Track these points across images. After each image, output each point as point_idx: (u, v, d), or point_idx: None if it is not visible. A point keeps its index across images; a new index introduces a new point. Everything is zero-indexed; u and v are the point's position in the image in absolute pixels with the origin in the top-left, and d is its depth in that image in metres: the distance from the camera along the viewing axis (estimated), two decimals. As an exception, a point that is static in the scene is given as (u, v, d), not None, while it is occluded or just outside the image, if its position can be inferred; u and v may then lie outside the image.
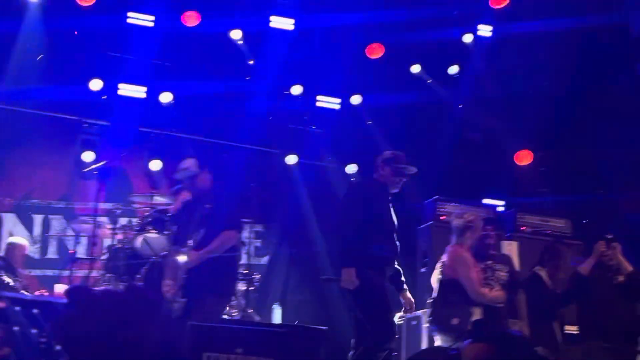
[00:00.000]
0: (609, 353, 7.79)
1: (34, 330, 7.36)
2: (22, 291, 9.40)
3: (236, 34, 11.94)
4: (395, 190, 7.27)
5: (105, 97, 11.57)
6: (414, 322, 9.07)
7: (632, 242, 10.66)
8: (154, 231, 9.68)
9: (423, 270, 9.74)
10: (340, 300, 11.85)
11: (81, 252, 10.96)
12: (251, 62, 12.14)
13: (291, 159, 12.73)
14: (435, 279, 7.75)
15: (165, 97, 11.92)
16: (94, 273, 10.22)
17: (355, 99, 12.67)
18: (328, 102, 12.68)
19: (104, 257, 10.19)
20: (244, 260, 11.02)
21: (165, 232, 9.50)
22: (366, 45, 12.40)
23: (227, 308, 9.18)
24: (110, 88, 11.65)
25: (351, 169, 12.87)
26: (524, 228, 10.39)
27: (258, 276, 10.93)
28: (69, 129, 11.75)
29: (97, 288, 8.64)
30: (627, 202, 11.24)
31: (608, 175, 11.57)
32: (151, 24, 11.43)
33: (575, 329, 8.42)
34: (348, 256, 6.91)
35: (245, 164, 11.96)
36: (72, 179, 11.92)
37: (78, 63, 11.48)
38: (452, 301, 7.36)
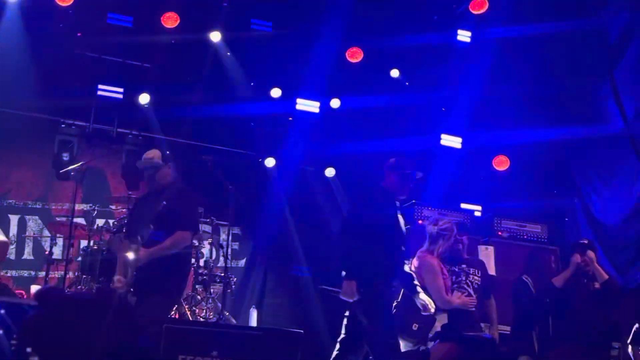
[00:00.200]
0: (584, 358, 7.85)
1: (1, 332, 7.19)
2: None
3: (215, 36, 11.90)
4: (404, 197, 7.23)
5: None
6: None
7: (606, 246, 10.82)
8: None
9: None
10: (317, 304, 11.95)
11: (57, 253, 10.87)
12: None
13: (270, 162, 12.73)
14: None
15: (144, 99, 11.86)
16: (70, 274, 10.18)
17: (335, 103, 12.69)
18: (307, 105, 12.68)
19: (80, 258, 10.14)
20: (220, 262, 11.05)
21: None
22: (346, 49, 12.42)
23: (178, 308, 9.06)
24: (88, 89, 11.58)
25: (330, 172, 12.90)
26: (501, 233, 10.46)
27: (235, 279, 10.92)
28: (47, 130, 11.67)
29: (68, 291, 8.59)
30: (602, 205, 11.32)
31: (583, 178, 11.66)
32: (130, 25, 11.37)
33: None
34: (350, 268, 6.77)
35: (224, 167, 11.92)
36: (49, 180, 11.84)
37: (57, 63, 11.40)
38: (415, 307, 7.38)
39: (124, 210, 10.29)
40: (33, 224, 11.81)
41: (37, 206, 11.90)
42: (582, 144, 11.61)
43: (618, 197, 11.07)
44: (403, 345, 7.50)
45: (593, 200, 11.56)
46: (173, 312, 9.54)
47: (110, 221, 10.76)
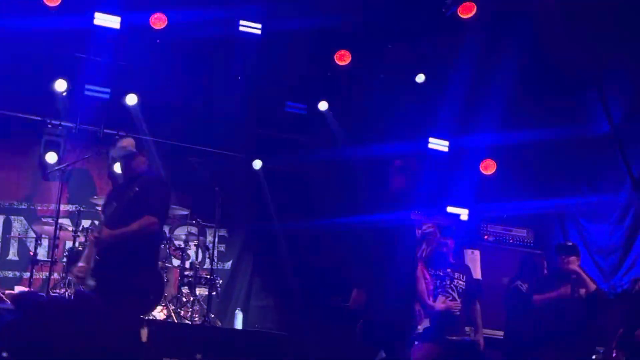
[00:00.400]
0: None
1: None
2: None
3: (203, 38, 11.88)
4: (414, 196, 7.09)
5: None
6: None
7: (592, 250, 10.85)
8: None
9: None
10: (302, 307, 11.96)
11: (42, 254, 10.82)
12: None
13: (257, 164, 12.72)
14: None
15: (131, 99, 11.83)
16: (55, 275, 10.13)
17: (322, 105, 12.69)
18: (296, 107, 12.67)
19: (65, 259, 10.09)
20: (207, 264, 11.02)
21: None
22: (334, 52, 12.41)
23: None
24: (75, 89, 11.54)
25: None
26: (487, 237, 10.48)
27: (221, 281, 10.90)
28: (33, 130, 11.62)
29: (48, 294, 8.52)
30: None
31: (568, 183, 11.69)
32: (117, 26, 11.33)
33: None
34: (359, 276, 6.68)
35: (211, 168, 11.90)
36: (35, 180, 11.79)
37: (43, 63, 11.36)
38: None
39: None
40: (18, 224, 11.74)
41: (23, 207, 11.83)
42: (569, 148, 11.62)
43: (604, 202, 11.10)
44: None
45: (579, 204, 11.59)
46: (157, 313, 9.53)
47: (97, 222, 10.71)
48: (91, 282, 6.62)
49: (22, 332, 3.04)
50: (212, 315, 10.19)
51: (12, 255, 11.70)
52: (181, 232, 11.42)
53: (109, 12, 11.25)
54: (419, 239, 7.74)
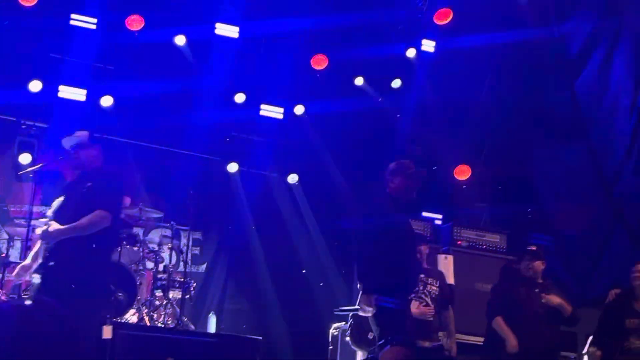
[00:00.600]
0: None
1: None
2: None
3: (180, 40, 11.86)
4: (413, 196, 6.90)
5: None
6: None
7: (565, 256, 10.91)
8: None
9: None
10: (277, 310, 11.96)
11: (14, 255, 10.72)
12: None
13: (232, 167, 12.70)
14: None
15: (106, 101, 11.78)
16: (27, 278, 10.03)
17: (299, 109, 12.71)
18: (271, 111, 12.67)
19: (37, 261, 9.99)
20: (180, 267, 10.97)
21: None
22: (311, 56, 12.44)
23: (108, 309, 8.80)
24: (50, 90, 11.47)
25: (292, 178, 12.91)
26: (460, 242, 10.51)
27: (195, 284, 10.85)
28: (6, 130, 11.54)
29: (4, 303, 8.40)
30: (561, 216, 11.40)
31: (543, 189, 11.77)
32: (94, 27, 11.29)
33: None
34: (367, 281, 6.53)
35: (186, 171, 11.88)
36: (8, 181, 11.70)
37: (18, 63, 11.29)
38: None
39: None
40: (-10, 226, 11.65)
41: (-5, 208, 11.75)
42: (545, 154, 11.71)
43: (578, 208, 11.17)
44: (360, 354, 7.53)
45: (553, 210, 11.66)
46: (129, 316, 9.48)
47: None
48: (36, 279, 6.45)
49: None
50: (185, 319, 10.13)
51: (-16, 256, 11.58)
52: (155, 235, 11.36)
53: (85, 13, 11.24)
54: None
